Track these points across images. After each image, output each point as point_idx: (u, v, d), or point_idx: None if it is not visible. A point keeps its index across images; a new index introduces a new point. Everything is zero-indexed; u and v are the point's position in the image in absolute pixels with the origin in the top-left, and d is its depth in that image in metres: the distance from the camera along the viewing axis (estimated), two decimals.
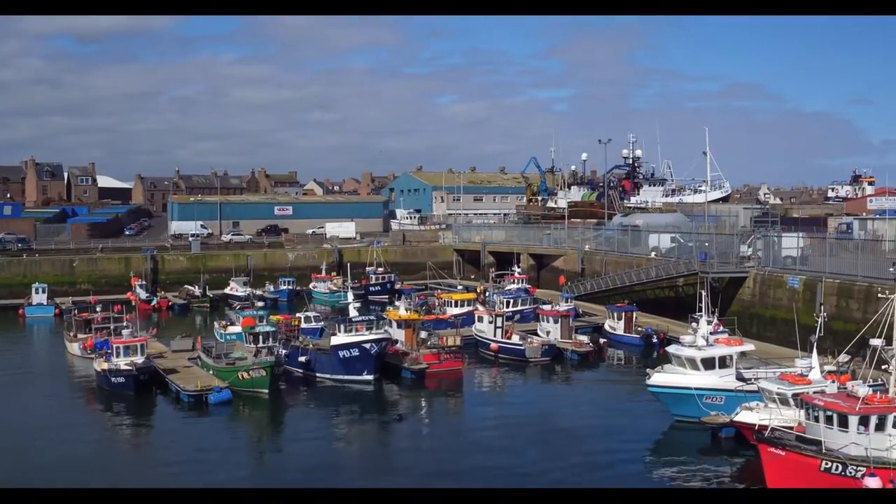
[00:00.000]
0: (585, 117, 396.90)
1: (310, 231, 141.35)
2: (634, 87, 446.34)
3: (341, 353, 47.24)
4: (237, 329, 58.35)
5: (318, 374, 49.38)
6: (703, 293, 43.83)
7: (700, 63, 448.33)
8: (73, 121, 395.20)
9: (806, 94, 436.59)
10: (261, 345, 46.30)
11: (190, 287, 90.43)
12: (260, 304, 68.31)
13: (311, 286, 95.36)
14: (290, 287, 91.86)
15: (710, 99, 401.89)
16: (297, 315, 63.79)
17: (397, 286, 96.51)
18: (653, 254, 75.04)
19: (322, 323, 59.88)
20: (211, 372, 47.72)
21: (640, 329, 60.67)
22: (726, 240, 68.66)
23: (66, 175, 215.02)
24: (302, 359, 49.47)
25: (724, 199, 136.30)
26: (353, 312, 49.64)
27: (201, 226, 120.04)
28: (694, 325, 42.45)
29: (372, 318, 48.78)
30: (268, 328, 47.48)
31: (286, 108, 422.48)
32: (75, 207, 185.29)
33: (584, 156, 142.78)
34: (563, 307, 69.66)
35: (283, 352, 51.10)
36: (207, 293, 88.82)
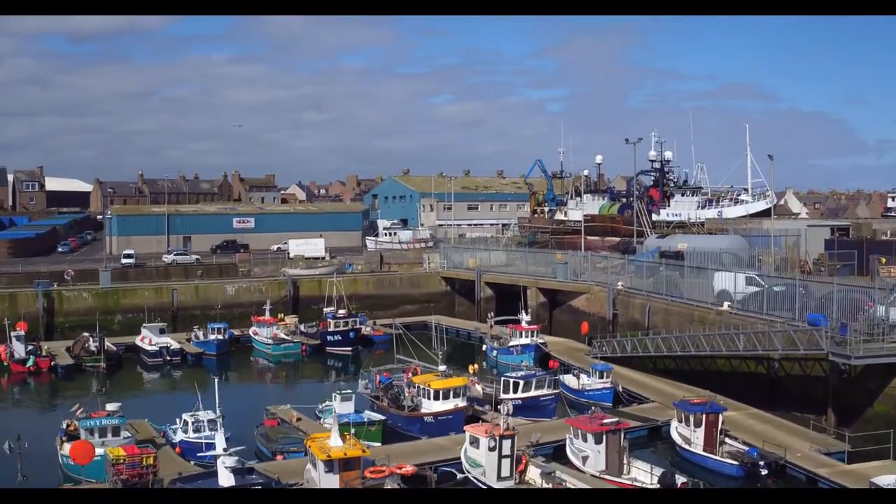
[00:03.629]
0: (581, 117, 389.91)
1: (274, 247, 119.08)
2: (629, 87, 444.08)
3: None
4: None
5: None
6: None
7: (695, 62, 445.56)
8: (66, 121, 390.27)
9: (801, 93, 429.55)
10: None
11: (89, 335, 66.95)
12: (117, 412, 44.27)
13: (251, 332, 72.30)
14: (221, 336, 68.44)
15: (705, 98, 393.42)
16: (171, 426, 40.68)
17: (366, 330, 73.58)
18: (726, 305, 51.76)
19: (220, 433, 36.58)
20: None
21: (736, 448, 37.46)
22: (844, 290, 45.25)
23: (10, 180, 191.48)
24: None
25: (768, 213, 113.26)
26: (223, 475, 26.18)
27: (126, 254, 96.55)
28: None
29: (258, 483, 24.97)
30: None
31: (279, 109, 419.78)
32: (14, 217, 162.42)
33: (598, 158, 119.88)
34: (598, 386, 47.05)
35: None
36: (106, 346, 65.50)
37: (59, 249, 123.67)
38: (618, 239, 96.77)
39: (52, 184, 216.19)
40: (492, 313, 67.52)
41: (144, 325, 69.03)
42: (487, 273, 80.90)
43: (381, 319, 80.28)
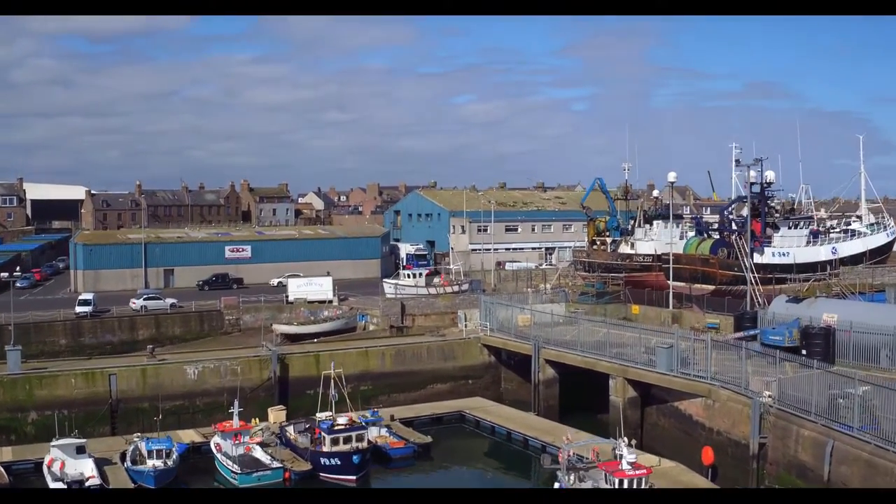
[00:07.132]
0: (604, 117, 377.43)
1: (274, 282, 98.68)
2: (653, 86, 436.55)
3: None
4: None
5: None
6: None
7: (719, 61, 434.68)
8: (89, 122, 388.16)
9: (826, 93, 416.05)
10: None
11: None
12: None
13: (212, 445, 50.24)
14: (163, 462, 46.21)
15: (729, 98, 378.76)
16: None
17: (379, 436, 51.53)
18: None
19: None
20: None
21: None
22: None
23: None
24: None
25: (891, 246, 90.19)
26: None
27: (82, 300, 75.10)
28: None
29: None
30: None
31: (301, 109, 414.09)
32: None
33: (671, 175, 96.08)
34: None
35: None
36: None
37: (18, 284, 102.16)
38: (711, 287, 74.09)
39: (48, 192, 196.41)
40: (568, 436, 44.41)
41: (54, 441, 46.87)
42: (548, 347, 58.29)
43: (403, 409, 58.37)
